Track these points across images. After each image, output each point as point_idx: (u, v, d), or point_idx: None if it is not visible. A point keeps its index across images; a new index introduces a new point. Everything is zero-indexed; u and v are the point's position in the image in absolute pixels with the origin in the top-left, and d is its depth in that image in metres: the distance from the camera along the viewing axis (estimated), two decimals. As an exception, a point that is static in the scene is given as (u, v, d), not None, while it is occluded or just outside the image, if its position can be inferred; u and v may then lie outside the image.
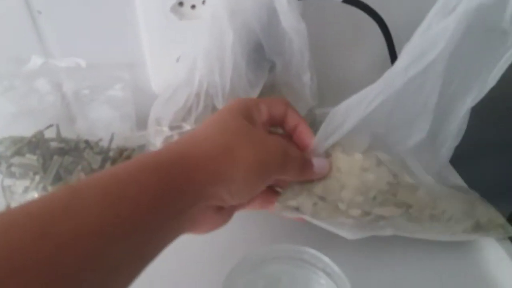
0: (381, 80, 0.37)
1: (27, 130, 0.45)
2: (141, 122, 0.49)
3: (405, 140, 0.39)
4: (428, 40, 0.35)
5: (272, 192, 0.39)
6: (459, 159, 0.52)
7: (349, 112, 0.38)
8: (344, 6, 0.42)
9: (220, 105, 0.44)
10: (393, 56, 0.47)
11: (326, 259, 0.31)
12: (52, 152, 0.45)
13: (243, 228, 0.44)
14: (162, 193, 0.25)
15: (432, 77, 0.36)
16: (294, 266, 0.32)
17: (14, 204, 0.44)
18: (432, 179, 0.41)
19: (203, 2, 0.44)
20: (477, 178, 0.52)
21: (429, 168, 0.42)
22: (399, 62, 0.36)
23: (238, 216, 0.46)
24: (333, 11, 0.47)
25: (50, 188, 0.43)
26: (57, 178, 0.43)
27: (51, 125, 0.46)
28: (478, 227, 0.41)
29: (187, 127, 0.45)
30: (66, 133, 0.47)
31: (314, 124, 0.49)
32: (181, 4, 0.44)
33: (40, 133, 0.46)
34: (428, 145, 0.41)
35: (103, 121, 0.48)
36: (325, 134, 0.40)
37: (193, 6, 0.44)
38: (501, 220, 0.42)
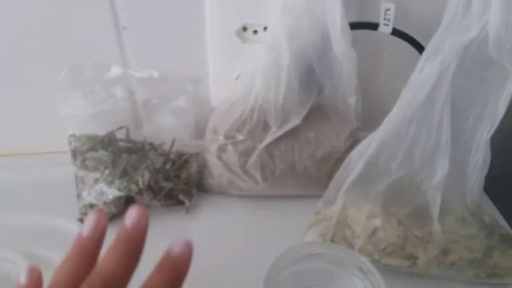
0: (383, 123, 0.42)
1: (101, 129, 0.52)
2: (199, 132, 0.54)
3: (430, 177, 0.43)
4: (419, 83, 0.39)
5: None
6: (500, 193, 0.54)
7: (360, 156, 0.43)
8: (392, 37, 0.46)
9: (271, 119, 0.49)
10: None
11: (362, 258, 0.34)
12: (121, 150, 0.51)
13: (286, 223, 0.49)
14: None
15: (435, 116, 0.40)
16: (331, 263, 0.35)
17: (84, 194, 0.50)
18: (448, 225, 0.43)
19: (265, 29, 0.49)
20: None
21: (461, 199, 0.45)
22: (397, 106, 0.41)
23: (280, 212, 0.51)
24: (381, 41, 0.51)
25: (117, 182, 0.48)
26: (124, 173, 0.49)
27: (122, 127, 0.52)
28: (493, 274, 0.42)
29: (240, 137, 0.49)
30: (133, 136, 0.53)
31: (356, 145, 0.52)
32: (245, 29, 0.50)
33: (112, 133, 0.52)
34: (458, 178, 0.44)
35: (167, 127, 0.53)
36: (341, 179, 0.45)
37: (255, 32, 0.50)
38: None
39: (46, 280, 0.41)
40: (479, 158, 0.43)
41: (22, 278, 0.26)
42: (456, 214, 0.44)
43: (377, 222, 0.42)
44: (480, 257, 0.42)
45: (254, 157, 0.49)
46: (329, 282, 0.36)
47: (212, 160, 0.51)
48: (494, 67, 0.39)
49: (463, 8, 0.38)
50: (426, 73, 0.40)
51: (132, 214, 0.27)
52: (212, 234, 0.49)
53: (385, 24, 0.45)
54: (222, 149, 0.50)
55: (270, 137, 0.49)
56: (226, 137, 0.50)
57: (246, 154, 0.49)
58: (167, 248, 0.27)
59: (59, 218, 0.49)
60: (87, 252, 0.26)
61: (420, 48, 0.46)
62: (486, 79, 0.40)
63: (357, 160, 0.44)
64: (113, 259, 0.25)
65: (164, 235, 0.49)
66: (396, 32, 0.45)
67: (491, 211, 0.50)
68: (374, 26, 0.45)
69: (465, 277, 0.43)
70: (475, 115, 0.42)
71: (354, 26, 0.45)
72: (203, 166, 0.54)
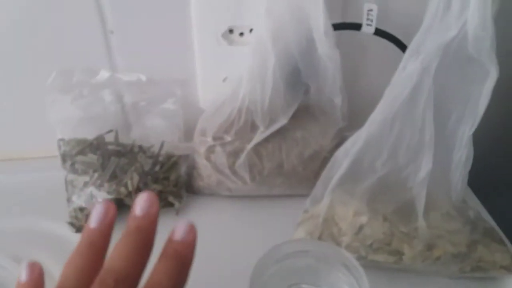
0: (367, 122, 0.43)
1: (90, 133, 0.52)
2: (188, 134, 0.55)
3: (414, 174, 0.44)
4: (401, 82, 0.40)
5: None
6: (485, 189, 0.55)
7: (346, 154, 0.44)
8: (375, 37, 0.47)
9: (258, 120, 0.49)
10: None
11: (347, 254, 0.34)
12: (110, 153, 0.51)
13: (275, 222, 0.50)
14: None
15: (417, 113, 0.41)
16: (316, 259, 0.36)
17: (74, 197, 0.50)
18: (433, 220, 0.44)
19: (250, 31, 0.50)
20: (500, 208, 0.54)
21: (446, 194, 0.46)
22: (380, 104, 0.42)
23: (269, 212, 0.51)
24: (365, 41, 0.52)
25: (106, 185, 0.49)
26: (113, 176, 0.49)
27: (111, 131, 0.53)
28: (478, 268, 0.43)
29: (228, 138, 0.50)
30: (122, 139, 0.53)
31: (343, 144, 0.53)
32: (231, 31, 0.50)
33: (101, 136, 0.52)
34: (442, 174, 0.45)
35: (155, 130, 0.54)
36: (328, 177, 0.46)
37: (241, 34, 0.51)
38: (507, 261, 0.43)
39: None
40: (462, 155, 0.44)
41: (23, 276, 0.24)
42: (441, 209, 0.45)
43: (363, 219, 0.43)
44: (464, 251, 0.43)
45: (242, 158, 0.50)
46: (315, 279, 0.37)
47: (201, 162, 0.51)
48: (474, 64, 0.40)
49: (443, 8, 0.39)
50: (408, 71, 0.41)
51: (142, 200, 0.25)
52: (202, 234, 0.49)
53: (368, 25, 0.46)
54: (210, 150, 0.51)
55: (257, 138, 0.49)
56: (215, 138, 0.50)
57: (234, 154, 0.50)
58: (169, 235, 0.26)
59: (50, 222, 0.50)
60: (96, 245, 0.25)
61: (403, 47, 0.47)
62: (467, 76, 0.41)
63: (343, 158, 0.45)
64: (124, 253, 0.24)
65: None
66: (379, 32, 0.46)
67: (476, 206, 0.51)
68: (357, 27, 0.46)
69: (450, 271, 0.44)
70: (457, 112, 0.43)
71: (338, 27, 0.46)
72: (192, 167, 0.54)
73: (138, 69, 0.52)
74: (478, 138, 0.44)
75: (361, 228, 0.43)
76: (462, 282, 0.44)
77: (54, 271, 0.44)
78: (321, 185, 0.47)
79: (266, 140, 0.50)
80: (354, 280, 0.33)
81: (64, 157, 0.51)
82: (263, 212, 0.52)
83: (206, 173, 0.52)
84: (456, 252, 0.42)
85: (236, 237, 0.49)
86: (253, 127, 0.50)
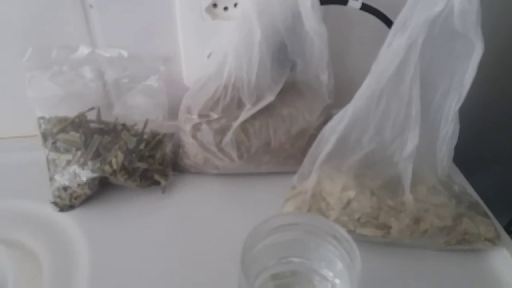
0: (354, 98, 0.43)
1: (71, 111, 0.51)
2: (173, 112, 0.54)
3: (401, 149, 0.44)
4: (388, 57, 0.40)
5: None
6: (469, 165, 0.56)
7: (333, 131, 0.44)
8: (362, 12, 0.46)
9: (245, 97, 0.49)
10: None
11: (336, 226, 0.34)
12: (93, 131, 0.50)
13: (263, 199, 0.49)
14: None
15: (404, 89, 0.41)
16: (306, 232, 0.36)
17: (57, 176, 0.49)
18: (420, 194, 0.44)
19: (235, 5, 0.49)
20: (483, 183, 0.55)
21: (432, 169, 0.46)
22: (366, 80, 0.42)
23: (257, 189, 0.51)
24: (352, 17, 0.51)
25: (90, 163, 0.48)
26: (97, 155, 0.48)
27: (92, 108, 0.51)
28: (463, 240, 0.44)
29: (214, 116, 0.49)
30: (105, 117, 0.52)
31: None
32: (215, 5, 0.49)
33: (83, 114, 0.51)
34: (428, 149, 0.45)
35: (139, 108, 0.52)
36: (315, 154, 0.46)
37: (225, 8, 0.50)
38: (491, 234, 0.44)
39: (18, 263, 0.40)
40: (448, 130, 0.44)
41: None
42: (427, 184, 0.45)
43: (351, 193, 0.43)
44: (450, 224, 0.43)
45: (229, 135, 0.49)
46: (305, 252, 0.37)
47: (187, 140, 0.51)
48: (460, 39, 0.40)
49: (429, -18, 0.39)
50: (394, 47, 0.41)
51: None
52: (189, 212, 0.49)
53: (354, -1, 0.45)
54: (196, 128, 0.50)
55: (244, 115, 0.49)
56: (200, 116, 0.50)
57: (221, 132, 0.49)
58: None
59: (32, 202, 0.49)
60: None
61: (389, 23, 0.46)
62: (453, 51, 0.41)
63: (330, 135, 0.45)
64: None
65: (141, 215, 0.50)
66: (365, 7, 0.46)
67: (460, 181, 0.52)
68: (343, 1, 0.46)
69: (437, 244, 0.44)
70: (443, 88, 0.43)
71: (324, 1, 0.45)
72: (178, 146, 0.53)
73: (119, 45, 0.50)
74: (464, 113, 0.44)
75: (348, 202, 0.43)
76: (449, 255, 0.45)
77: (38, 251, 0.44)
78: (308, 161, 0.47)
79: (253, 117, 0.49)
80: (345, 252, 0.33)
81: (45, 136, 0.50)
82: (250, 190, 0.52)
83: (192, 151, 0.51)
84: (442, 225, 0.43)
85: (224, 215, 0.49)
86: (240, 104, 0.49)
